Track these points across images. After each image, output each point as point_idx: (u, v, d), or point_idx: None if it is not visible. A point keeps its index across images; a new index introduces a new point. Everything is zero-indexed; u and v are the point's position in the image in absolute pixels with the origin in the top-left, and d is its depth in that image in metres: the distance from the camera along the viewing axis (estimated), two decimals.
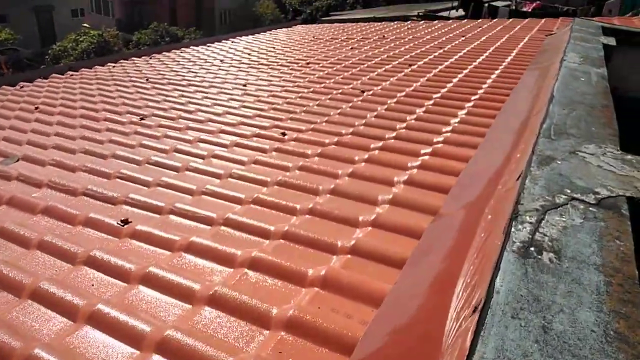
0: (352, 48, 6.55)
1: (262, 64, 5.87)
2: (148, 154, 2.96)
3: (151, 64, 6.38)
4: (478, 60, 5.04)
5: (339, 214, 2.08)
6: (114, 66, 6.37)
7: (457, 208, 2.03)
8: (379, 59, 5.60)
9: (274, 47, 7.11)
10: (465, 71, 4.61)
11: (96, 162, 2.88)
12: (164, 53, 7.33)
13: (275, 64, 5.82)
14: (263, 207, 2.21)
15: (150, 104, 4.23)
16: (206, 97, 4.37)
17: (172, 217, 2.17)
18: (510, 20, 8.70)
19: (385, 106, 3.66)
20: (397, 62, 5.31)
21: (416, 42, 6.60)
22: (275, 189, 2.41)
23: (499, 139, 2.48)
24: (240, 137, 3.22)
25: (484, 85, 3.97)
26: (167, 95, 4.50)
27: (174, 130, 3.45)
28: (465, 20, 8.98)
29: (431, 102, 3.67)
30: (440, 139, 2.92)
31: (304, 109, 3.77)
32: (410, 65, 5.08)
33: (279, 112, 3.75)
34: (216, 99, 4.30)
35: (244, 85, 4.70)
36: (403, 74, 4.73)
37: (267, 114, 3.72)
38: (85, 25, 34.33)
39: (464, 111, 3.37)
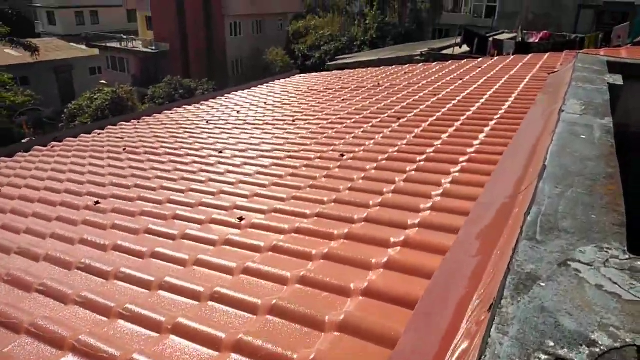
0: (343, 100, 6.25)
1: (247, 123, 5.59)
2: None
3: (132, 130, 6.16)
4: (473, 109, 4.65)
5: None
6: (98, 134, 6.17)
7: None
8: (369, 111, 5.26)
9: (265, 103, 6.86)
10: (457, 123, 4.22)
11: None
12: (154, 115, 7.14)
13: (261, 122, 5.53)
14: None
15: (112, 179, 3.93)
16: (177, 169, 4.06)
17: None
18: (512, 57, 8.35)
19: (363, 174, 3.26)
20: (386, 114, 4.96)
21: (410, 90, 6.26)
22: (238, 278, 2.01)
23: (465, 251, 1.97)
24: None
25: (476, 142, 3.55)
26: (138, 163, 4.21)
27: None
28: (465, 60, 8.67)
29: (414, 166, 3.25)
30: (398, 242, 2.49)
31: (275, 180, 3.41)
32: (399, 118, 4.71)
33: (246, 187, 3.38)
34: (186, 170, 3.98)
35: (220, 152, 4.38)
36: (390, 129, 4.36)
37: (231, 189, 3.35)
38: (102, 82, 35.52)
39: (449, 179, 2.94)
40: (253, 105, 6.80)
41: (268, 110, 6.25)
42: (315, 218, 2.62)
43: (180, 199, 3.27)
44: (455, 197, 2.67)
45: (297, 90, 7.70)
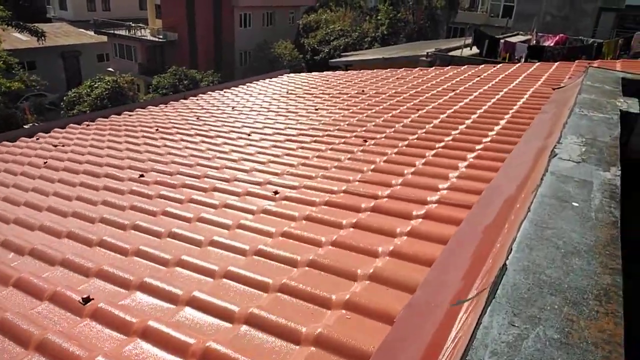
0: (317, 109, 5.48)
1: (199, 134, 4.85)
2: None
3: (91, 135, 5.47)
4: (450, 136, 3.86)
5: None
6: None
7: None
8: (335, 128, 4.50)
9: (231, 109, 6.12)
10: (429, 153, 3.43)
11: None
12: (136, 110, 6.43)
13: (208, 136, 4.79)
14: None
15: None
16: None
17: None
18: (517, 66, 7.49)
19: (293, 224, 2.51)
20: (353, 135, 4.18)
21: (394, 102, 5.48)
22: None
23: None
24: None
25: (433, 197, 2.77)
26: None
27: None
28: (464, 67, 7.82)
29: (353, 220, 2.48)
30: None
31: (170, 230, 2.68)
32: (365, 141, 3.94)
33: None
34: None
35: (141, 176, 3.65)
36: (349, 157, 3.59)
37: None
38: (109, 69, 35.11)
39: (380, 249, 2.18)
40: (218, 111, 6.06)
41: (225, 120, 5.51)
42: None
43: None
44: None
45: (274, 94, 6.95)
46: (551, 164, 2.29)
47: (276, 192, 2.96)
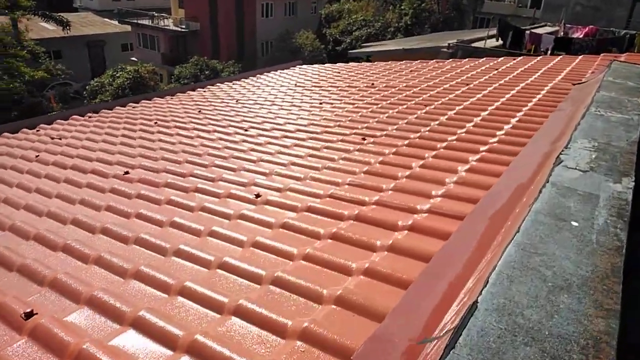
0: (321, 103, 5.24)
1: (196, 129, 4.68)
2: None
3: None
4: (457, 134, 3.58)
5: None
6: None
7: None
8: (336, 124, 4.26)
9: (235, 102, 5.93)
10: (429, 155, 3.17)
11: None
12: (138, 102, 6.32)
13: (200, 129, 4.61)
14: None
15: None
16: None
17: None
18: (538, 59, 7.07)
19: (260, 238, 2.30)
20: (353, 132, 3.94)
21: (401, 96, 5.20)
22: None
23: None
24: None
25: (424, 206, 2.52)
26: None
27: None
28: (483, 60, 7.45)
29: (332, 230, 2.26)
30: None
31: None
32: (364, 139, 3.70)
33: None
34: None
35: (126, 173, 3.49)
36: (343, 157, 3.36)
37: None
38: (133, 59, 35.42)
39: (364, 263, 1.96)
40: (218, 104, 5.88)
41: (225, 114, 5.32)
42: None
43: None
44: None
45: (282, 86, 6.74)
46: (554, 173, 2.04)
47: (258, 195, 2.76)
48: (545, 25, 18.30)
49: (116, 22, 38.92)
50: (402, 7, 31.74)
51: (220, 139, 4.24)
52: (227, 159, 3.61)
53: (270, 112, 5.10)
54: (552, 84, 4.91)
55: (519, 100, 4.39)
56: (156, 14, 36.97)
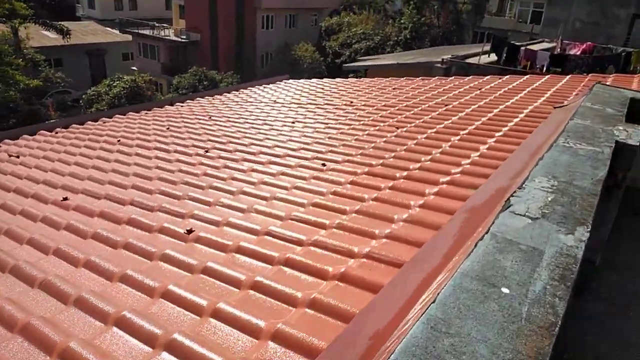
0: (293, 122, 5.02)
1: (157, 148, 4.46)
2: None
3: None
4: (412, 168, 3.34)
5: None
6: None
7: None
8: (300, 147, 4.02)
9: (208, 118, 5.72)
10: (371, 196, 2.93)
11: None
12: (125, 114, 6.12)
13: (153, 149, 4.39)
14: None
15: None
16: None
17: None
18: (524, 78, 6.86)
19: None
20: (314, 157, 3.70)
21: (376, 117, 4.99)
22: None
23: None
24: None
25: (368, 245, 2.27)
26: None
27: None
28: (468, 78, 7.24)
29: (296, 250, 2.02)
30: None
31: None
32: (324, 164, 3.46)
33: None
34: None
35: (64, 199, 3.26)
36: (296, 185, 3.12)
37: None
38: (133, 68, 35.44)
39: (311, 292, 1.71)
40: (188, 122, 5.67)
41: (190, 132, 5.10)
42: None
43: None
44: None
45: (260, 102, 6.53)
46: (498, 221, 1.79)
47: (189, 231, 2.52)
48: (543, 42, 18.14)
49: (117, 32, 39.06)
50: (402, 21, 31.74)
51: (178, 160, 4.01)
52: (177, 184, 3.37)
53: (239, 131, 4.88)
54: (532, 107, 4.68)
55: (496, 124, 4.16)
56: (157, 24, 37.06)
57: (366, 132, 4.35)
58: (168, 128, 5.30)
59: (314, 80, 8.80)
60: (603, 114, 3.38)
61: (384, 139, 4.03)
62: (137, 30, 37.01)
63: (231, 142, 4.45)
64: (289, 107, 6.02)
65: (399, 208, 2.61)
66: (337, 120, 4.99)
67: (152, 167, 3.86)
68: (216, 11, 34.19)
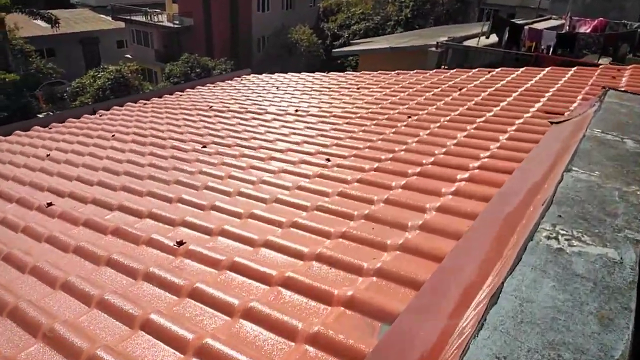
0: (204, 146, 3.91)
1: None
2: None
3: None
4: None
5: None
6: None
7: None
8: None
9: (112, 136, 4.63)
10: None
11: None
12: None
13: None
14: None
15: None
16: None
17: None
18: (520, 71, 5.61)
19: None
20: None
21: (319, 130, 3.85)
22: None
23: None
24: None
25: None
26: None
27: None
28: (451, 72, 6.02)
29: None
30: None
31: None
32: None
33: None
34: None
35: None
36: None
37: None
38: (127, 56, 34.38)
39: None
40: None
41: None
42: None
43: None
44: None
45: (195, 107, 5.41)
46: None
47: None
48: (550, 19, 16.63)
49: (110, 19, 37.90)
50: (403, 0, 30.11)
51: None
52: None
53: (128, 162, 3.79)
54: (522, 120, 3.51)
55: (460, 160, 3.00)
56: (150, 10, 35.77)
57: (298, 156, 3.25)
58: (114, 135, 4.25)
59: (276, 75, 7.60)
60: (620, 153, 2.18)
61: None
62: (129, 17, 35.77)
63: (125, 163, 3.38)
64: (222, 116, 4.90)
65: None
66: (292, 124, 3.88)
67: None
68: None
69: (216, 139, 3.97)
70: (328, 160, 3.16)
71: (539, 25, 14.06)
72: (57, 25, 29.36)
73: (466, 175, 2.66)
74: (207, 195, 2.77)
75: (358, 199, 2.53)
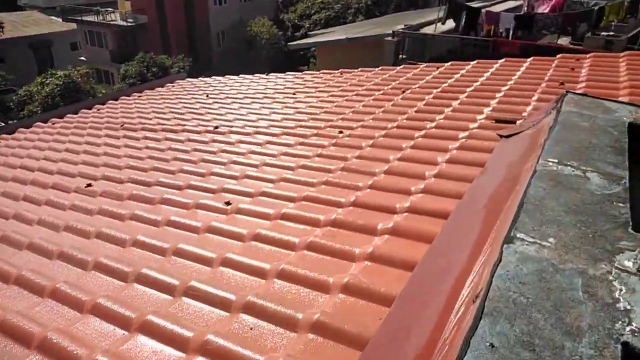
0: (89, 185, 3.24)
1: None
2: None
3: None
4: None
5: None
6: None
7: None
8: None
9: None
10: None
11: None
12: None
13: None
14: None
15: None
16: None
17: None
18: (473, 63, 5.06)
19: None
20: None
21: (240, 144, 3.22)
22: None
23: None
24: None
25: None
26: None
27: None
28: (399, 69, 5.44)
29: None
30: None
31: None
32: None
33: None
34: None
35: None
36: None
37: None
38: (81, 58, 32.87)
39: None
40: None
41: None
42: None
43: None
44: None
45: (105, 127, 4.69)
46: None
47: None
48: (508, 0, 16.26)
49: (60, 20, 36.13)
50: None
51: None
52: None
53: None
54: (467, 132, 2.95)
55: (384, 200, 2.40)
56: (101, 9, 34.15)
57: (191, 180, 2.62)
58: None
59: (213, 77, 6.90)
60: (583, 199, 1.56)
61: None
62: (80, 17, 34.08)
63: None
64: (131, 137, 4.22)
65: None
66: (176, 147, 3.23)
67: None
68: None
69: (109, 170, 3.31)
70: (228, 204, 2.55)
71: (497, 8, 13.64)
72: (0, 29, 27.85)
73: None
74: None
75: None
